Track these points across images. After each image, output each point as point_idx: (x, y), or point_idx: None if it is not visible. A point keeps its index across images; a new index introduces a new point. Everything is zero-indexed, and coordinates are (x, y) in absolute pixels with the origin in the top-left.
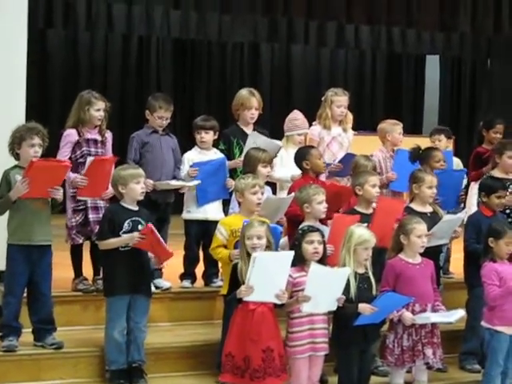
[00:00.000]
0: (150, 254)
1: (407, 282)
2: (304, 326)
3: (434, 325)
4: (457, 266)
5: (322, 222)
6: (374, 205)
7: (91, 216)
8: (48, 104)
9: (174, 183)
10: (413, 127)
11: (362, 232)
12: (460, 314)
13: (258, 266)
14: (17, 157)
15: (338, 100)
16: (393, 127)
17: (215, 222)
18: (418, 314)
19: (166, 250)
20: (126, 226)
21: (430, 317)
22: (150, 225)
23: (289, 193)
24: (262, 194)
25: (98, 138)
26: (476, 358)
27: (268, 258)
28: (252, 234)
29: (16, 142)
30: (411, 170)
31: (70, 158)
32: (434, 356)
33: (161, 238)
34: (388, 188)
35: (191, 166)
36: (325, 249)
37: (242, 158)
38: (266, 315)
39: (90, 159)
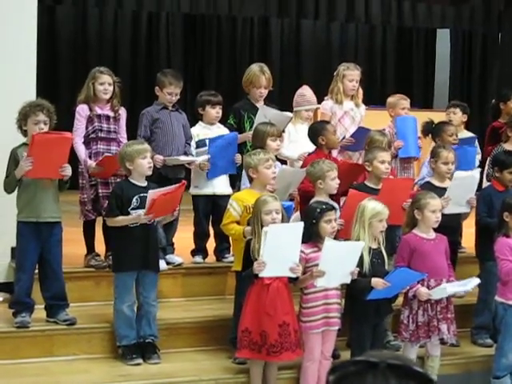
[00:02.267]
0: (159, 218)
1: (422, 257)
2: (319, 301)
3: (448, 300)
4: (468, 240)
5: (332, 197)
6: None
7: (101, 191)
8: (57, 81)
9: (184, 158)
10: (424, 102)
11: (374, 205)
12: (475, 281)
13: (270, 240)
14: (24, 133)
15: (350, 74)
16: (397, 101)
17: (223, 197)
18: (433, 289)
19: (177, 189)
20: (135, 201)
21: (446, 288)
22: (151, 194)
23: (301, 168)
24: (275, 167)
25: (111, 114)
26: (488, 333)
27: (279, 230)
28: (270, 209)
29: (22, 119)
30: (415, 133)
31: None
32: (449, 331)
33: (166, 189)
34: (397, 157)
35: (197, 142)
36: None
37: (252, 131)
38: (281, 290)
39: (104, 156)
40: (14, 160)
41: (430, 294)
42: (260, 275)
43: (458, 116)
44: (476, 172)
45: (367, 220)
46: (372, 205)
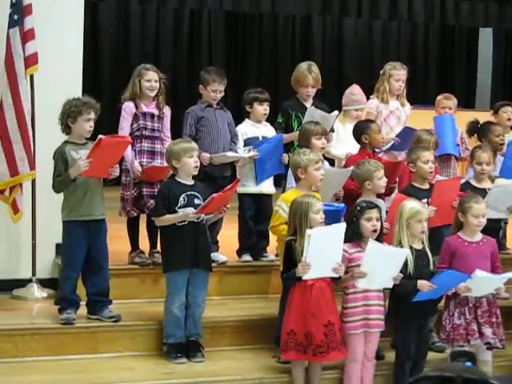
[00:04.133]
0: (209, 216)
1: (462, 260)
2: (358, 302)
3: (491, 304)
4: None
5: (379, 196)
6: (437, 177)
7: (145, 190)
8: (99, 78)
9: (231, 154)
10: (465, 101)
11: (412, 204)
12: (510, 274)
13: (313, 243)
14: (66, 130)
15: (397, 74)
16: (439, 100)
17: (267, 196)
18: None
19: (232, 187)
20: (182, 200)
21: (477, 273)
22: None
23: (345, 167)
24: (323, 169)
25: (156, 112)
26: None
27: (322, 233)
28: (319, 209)
29: (72, 116)
30: (453, 131)
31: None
32: (495, 335)
33: (223, 193)
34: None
35: (245, 140)
36: (381, 225)
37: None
38: (325, 290)
39: (150, 166)
40: (62, 159)
41: (467, 287)
42: (304, 278)
43: None
44: None
45: (405, 220)
46: (410, 205)
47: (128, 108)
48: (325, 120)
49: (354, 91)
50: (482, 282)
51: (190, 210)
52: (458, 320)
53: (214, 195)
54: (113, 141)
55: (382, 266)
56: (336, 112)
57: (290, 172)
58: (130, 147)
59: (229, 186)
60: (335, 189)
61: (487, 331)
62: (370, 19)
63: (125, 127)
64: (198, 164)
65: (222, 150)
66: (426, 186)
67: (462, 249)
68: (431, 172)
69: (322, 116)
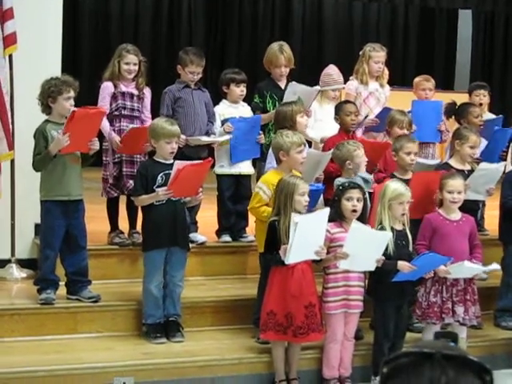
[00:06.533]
0: (187, 199)
1: (442, 239)
2: (339, 283)
3: (467, 282)
4: (491, 222)
5: None
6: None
7: (125, 170)
8: (78, 56)
9: (206, 139)
10: (445, 83)
11: (396, 186)
12: (494, 266)
13: (299, 230)
14: (47, 109)
15: (376, 56)
16: (418, 82)
17: (245, 176)
18: (452, 265)
19: (203, 164)
20: (160, 179)
21: (464, 263)
22: (177, 164)
23: (323, 150)
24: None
25: (135, 92)
26: (511, 315)
27: (308, 220)
28: (305, 191)
29: (52, 96)
30: (435, 118)
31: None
32: (466, 313)
33: (193, 162)
34: None
35: (222, 121)
36: (365, 206)
37: None
38: (306, 271)
39: (129, 128)
40: (43, 138)
41: (447, 271)
42: (286, 262)
43: (487, 98)
44: (501, 165)
45: (387, 201)
46: (394, 186)
47: (106, 88)
48: (307, 94)
49: (331, 71)
50: (465, 269)
51: (163, 188)
52: (434, 298)
53: (180, 167)
54: (87, 112)
55: (364, 247)
56: (318, 87)
57: (270, 151)
58: (106, 123)
59: (197, 162)
60: (317, 172)
61: (459, 310)
62: (350, 0)
63: (103, 106)
64: (175, 151)
65: (198, 131)
66: (408, 176)
67: (443, 227)
68: (411, 164)
69: (303, 89)
